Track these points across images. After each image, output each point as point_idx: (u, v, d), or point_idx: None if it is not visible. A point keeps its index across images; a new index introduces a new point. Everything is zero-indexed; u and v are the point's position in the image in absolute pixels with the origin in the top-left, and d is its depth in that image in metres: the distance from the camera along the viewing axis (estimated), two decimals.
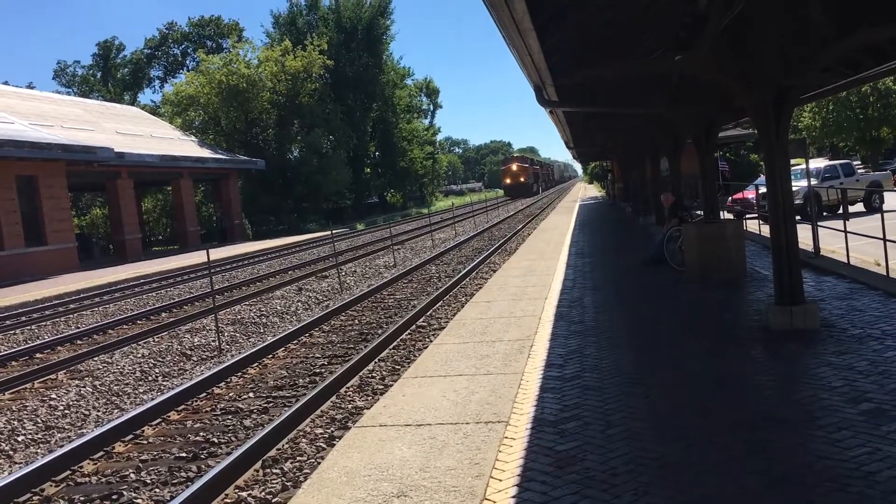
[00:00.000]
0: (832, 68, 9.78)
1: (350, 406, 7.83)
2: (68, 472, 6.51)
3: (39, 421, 8.37)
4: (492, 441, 5.12)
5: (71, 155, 30.19)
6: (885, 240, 10.12)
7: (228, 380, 9.44)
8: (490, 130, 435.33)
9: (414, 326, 11.87)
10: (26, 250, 28.06)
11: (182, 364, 10.91)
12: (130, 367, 10.73)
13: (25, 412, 8.74)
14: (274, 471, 6.17)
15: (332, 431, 7.02)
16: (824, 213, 22.28)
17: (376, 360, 9.80)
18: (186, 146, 44.62)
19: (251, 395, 8.71)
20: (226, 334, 12.61)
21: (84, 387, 9.77)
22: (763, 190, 14.05)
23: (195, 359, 11.22)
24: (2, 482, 6.03)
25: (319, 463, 5.51)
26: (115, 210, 36.85)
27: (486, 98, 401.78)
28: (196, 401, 8.59)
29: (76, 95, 66.77)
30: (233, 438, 7.15)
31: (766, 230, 14.59)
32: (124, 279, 23.93)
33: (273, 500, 5.58)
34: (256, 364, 10.21)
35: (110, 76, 79.53)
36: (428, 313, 12.95)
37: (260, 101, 52.40)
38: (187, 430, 7.61)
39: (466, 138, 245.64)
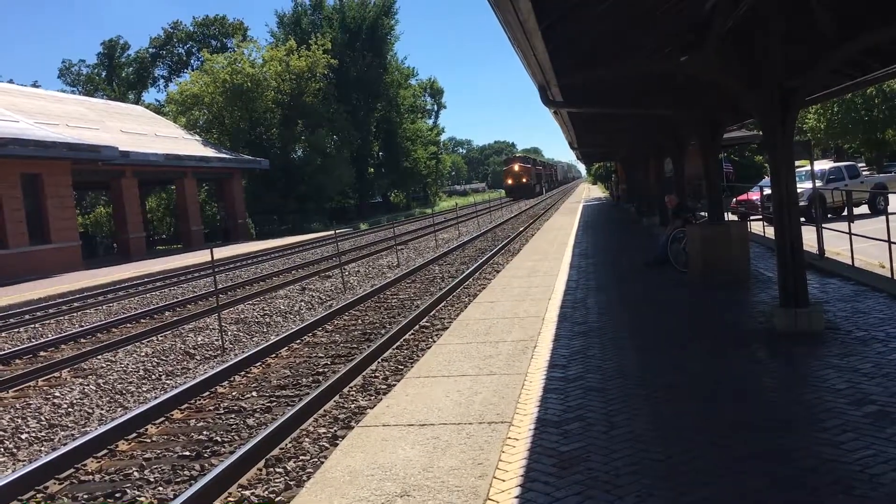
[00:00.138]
0: (838, 70, 9.76)
1: (353, 406, 7.83)
2: (72, 469, 6.52)
3: (43, 419, 8.38)
4: (495, 441, 5.12)
5: (76, 154, 30.24)
6: (889, 242, 10.10)
7: (232, 379, 9.45)
8: (494, 131, 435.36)
9: (417, 326, 11.87)
10: (30, 248, 28.12)
11: (185, 363, 10.92)
12: (134, 366, 10.74)
13: (29, 410, 8.76)
14: (277, 470, 6.17)
15: (336, 431, 7.02)
16: (829, 215, 22.20)
17: (379, 359, 9.80)
18: (190, 145, 44.69)
19: (254, 394, 8.71)
20: (229, 333, 12.63)
21: (87, 385, 9.79)
22: (768, 191, 14.05)
23: (198, 358, 11.23)
24: (6, 480, 6.04)
25: (322, 462, 5.52)
26: (120, 209, 36.91)
27: (490, 99, 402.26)
28: (199, 399, 8.60)
29: (81, 94, 66.91)
30: (236, 437, 7.15)
31: (770, 232, 14.57)
32: (128, 278, 23.96)
33: (276, 500, 5.58)
34: (259, 363, 10.21)
35: (115, 75, 79.69)
36: (431, 313, 12.95)
37: (264, 101, 52.42)
38: (190, 428, 7.62)
39: (470, 139, 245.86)
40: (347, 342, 11.28)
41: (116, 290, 21.35)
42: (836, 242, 13.32)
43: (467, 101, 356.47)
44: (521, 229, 32.52)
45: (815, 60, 7.67)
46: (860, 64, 9.73)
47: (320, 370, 9.60)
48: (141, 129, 42.64)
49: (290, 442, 6.80)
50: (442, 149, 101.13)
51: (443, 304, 13.92)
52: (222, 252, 30.45)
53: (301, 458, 6.41)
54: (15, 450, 7.44)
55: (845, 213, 16.31)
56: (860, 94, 40.72)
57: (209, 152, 44.69)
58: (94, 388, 9.63)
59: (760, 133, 10.50)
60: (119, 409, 8.68)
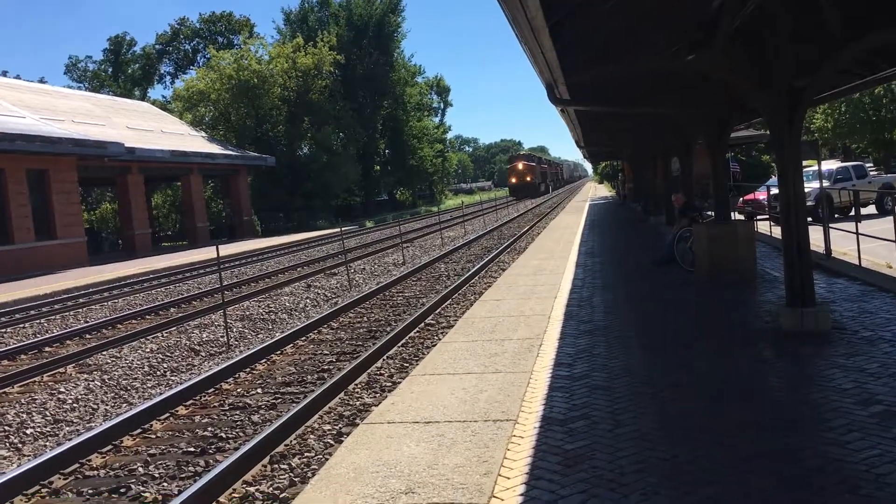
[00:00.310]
0: (846, 70, 9.72)
1: (358, 403, 7.84)
2: (77, 465, 6.54)
3: (48, 414, 8.40)
4: (500, 439, 5.11)
5: (82, 149, 30.30)
6: None
7: (237, 375, 9.46)
8: (500, 129, 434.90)
9: (422, 324, 11.87)
10: (36, 244, 28.20)
11: (190, 359, 10.94)
12: (139, 362, 10.76)
13: (34, 405, 8.78)
14: (282, 466, 6.18)
15: (340, 428, 7.02)
16: (836, 215, 22.16)
17: (385, 357, 9.80)
18: (196, 142, 44.74)
19: (259, 390, 8.72)
20: (234, 330, 12.64)
21: (93, 381, 9.81)
22: (775, 191, 14.00)
23: (203, 354, 11.25)
24: (11, 474, 6.06)
25: (327, 459, 5.51)
26: (125, 205, 36.98)
27: (496, 97, 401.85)
28: (204, 396, 8.61)
29: (87, 90, 67.06)
30: (241, 434, 7.16)
31: (777, 231, 14.53)
32: (133, 274, 24.01)
33: (280, 496, 5.58)
34: (265, 360, 10.22)
35: (121, 72, 79.83)
36: (437, 311, 12.94)
37: (270, 98, 52.46)
38: (195, 424, 7.62)
39: (476, 137, 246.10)
40: (353, 339, 11.28)
41: (122, 287, 21.40)
42: (843, 242, 13.27)
43: (474, 99, 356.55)
44: (527, 228, 32.50)
45: (822, 60, 7.64)
46: (868, 63, 9.69)
47: (325, 367, 9.61)
48: (147, 126, 42.70)
49: (294, 439, 6.80)
50: (448, 147, 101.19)
51: (448, 301, 13.91)
52: (228, 249, 30.49)
53: (306, 454, 6.41)
54: (20, 445, 7.46)
55: (852, 213, 16.28)
56: (868, 94, 40.56)
57: (215, 149, 44.74)
58: (99, 383, 9.65)
59: (768, 132, 10.47)
60: (124, 404, 8.70)
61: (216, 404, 8.28)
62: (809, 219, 8.91)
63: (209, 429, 7.38)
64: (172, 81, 80.00)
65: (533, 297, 11.38)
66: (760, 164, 39.35)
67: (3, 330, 14.92)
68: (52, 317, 16.41)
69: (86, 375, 10.21)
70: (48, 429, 7.92)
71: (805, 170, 11.55)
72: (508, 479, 4.45)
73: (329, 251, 28.84)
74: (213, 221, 46.94)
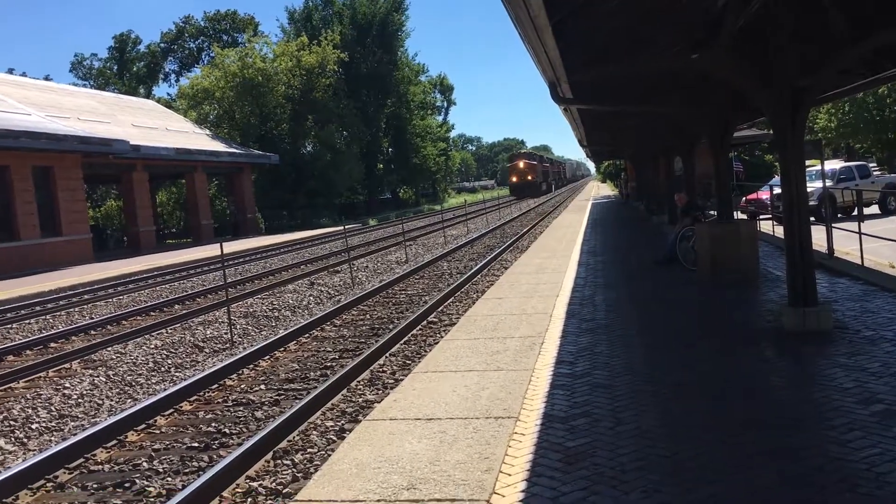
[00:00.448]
0: (849, 69, 9.72)
1: (361, 400, 7.87)
2: (82, 459, 6.57)
3: (53, 409, 8.44)
4: (502, 436, 5.14)
5: (87, 147, 30.37)
6: None
7: (240, 372, 9.50)
8: (504, 128, 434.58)
9: (425, 322, 11.89)
10: (42, 241, 28.27)
11: (194, 356, 10.98)
12: (143, 358, 10.81)
13: (40, 400, 8.83)
14: (285, 462, 6.21)
15: (343, 424, 7.06)
16: (839, 215, 22.13)
17: (387, 354, 9.84)
18: (201, 140, 44.81)
19: (263, 387, 8.76)
20: (238, 327, 12.68)
21: (98, 376, 9.85)
22: (777, 191, 14.00)
23: (207, 351, 11.29)
24: (17, 468, 6.10)
25: (330, 455, 5.54)
26: (130, 202, 37.08)
27: (499, 96, 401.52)
28: (208, 392, 8.65)
29: (93, 88, 67.16)
30: (244, 429, 7.19)
31: (779, 231, 14.53)
32: (138, 271, 24.07)
33: (284, 491, 5.62)
34: (268, 357, 10.26)
35: (126, 69, 79.97)
36: (439, 309, 12.97)
37: (275, 96, 52.52)
38: (199, 420, 7.66)
39: (480, 136, 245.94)
40: (355, 337, 11.31)
41: (126, 283, 21.46)
42: (845, 242, 13.27)
43: (477, 97, 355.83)
44: (530, 226, 32.51)
45: (826, 60, 7.64)
46: (872, 63, 9.68)
47: (328, 364, 9.64)
48: (152, 123, 42.79)
49: (297, 434, 6.84)
50: (451, 145, 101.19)
51: (451, 300, 13.94)
52: (232, 246, 30.54)
53: (308, 450, 6.45)
54: (26, 439, 7.50)
55: (855, 212, 16.26)
56: (872, 94, 40.46)
57: (219, 147, 44.82)
58: (104, 379, 9.70)
59: (771, 132, 10.46)
60: (128, 400, 8.74)
61: (220, 400, 8.32)
62: (812, 218, 8.92)
63: (213, 425, 7.42)
64: (177, 79, 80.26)
65: (535, 295, 11.40)
66: (763, 163, 39.31)
67: (9, 326, 14.99)
68: (58, 313, 16.47)
69: (91, 371, 10.25)
70: (53, 424, 7.96)
71: (808, 169, 11.56)
72: (510, 475, 4.48)
73: (332, 249, 28.88)
74: (217, 219, 47.02)
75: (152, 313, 15.38)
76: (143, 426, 7.48)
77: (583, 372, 6.71)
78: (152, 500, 5.70)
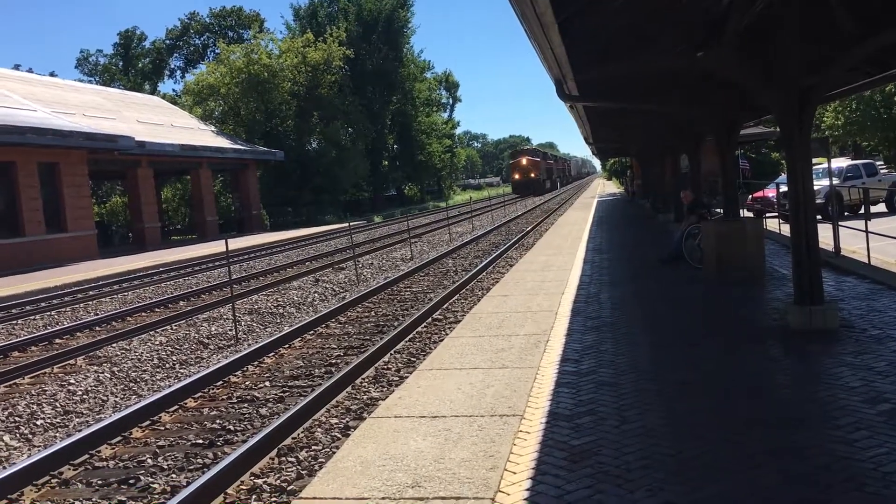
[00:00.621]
0: (856, 67, 9.67)
1: (365, 397, 7.87)
2: (86, 456, 6.58)
3: (58, 405, 8.46)
4: (506, 434, 5.13)
5: (92, 143, 30.41)
6: None
7: (245, 368, 9.50)
8: (509, 125, 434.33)
9: (430, 319, 11.89)
10: (47, 237, 28.33)
11: (199, 352, 10.99)
12: (148, 354, 10.83)
13: (45, 396, 8.85)
14: (289, 459, 6.21)
15: (348, 421, 7.05)
16: (845, 213, 22.07)
17: (392, 351, 9.83)
18: (206, 136, 44.84)
19: (267, 384, 8.76)
20: (243, 324, 12.69)
21: (102, 373, 9.87)
22: (784, 189, 13.96)
23: (212, 347, 11.30)
24: (22, 464, 6.11)
25: (334, 452, 5.54)
26: (135, 199, 37.12)
27: (505, 93, 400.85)
28: (213, 388, 8.66)
29: (98, 84, 67.26)
30: (249, 426, 7.20)
31: (786, 229, 14.48)
32: (143, 267, 24.11)
33: (288, 488, 5.61)
34: (273, 354, 10.26)
35: (131, 66, 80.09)
36: (444, 306, 12.97)
37: (280, 92, 52.53)
38: (204, 417, 7.67)
39: (485, 133, 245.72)
40: (360, 334, 11.31)
41: (131, 280, 21.50)
42: (852, 240, 13.23)
43: (483, 95, 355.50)
44: (536, 224, 32.49)
45: (832, 58, 7.61)
46: (879, 61, 9.64)
47: (333, 361, 9.64)
48: (157, 120, 42.83)
49: (302, 432, 6.84)
50: (457, 142, 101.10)
51: (456, 297, 13.93)
52: (237, 243, 30.57)
53: (313, 447, 6.45)
54: (30, 435, 7.52)
55: (862, 210, 16.21)
56: (879, 92, 40.31)
57: (224, 143, 44.86)
58: (109, 375, 9.72)
59: (778, 130, 10.43)
60: (133, 396, 8.75)
61: (224, 397, 8.33)
62: (819, 217, 8.88)
63: (217, 421, 7.43)
64: (183, 76, 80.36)
65: (540, 293, 11.38)
66: (770, 161, 39.19)
67: (14, 322, 15.02)
68: (63, 309, 16.50)
69: (96, 367, 10.27)
70: (58, 420, 7.98)
71: (815, 167, 11.51)
72: (515, 473, 4.47)
73: (337, 246, 28.90)
74: (222, 215, 47.05)
75: (157, 310, 15.40)
76: (148, 423, 7.49)
77: (588, 370, 6.70)
78: (157, 496, 5.71)
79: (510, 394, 6.10)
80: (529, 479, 4.36)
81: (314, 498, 4.39)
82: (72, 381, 9.50)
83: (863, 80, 10.79)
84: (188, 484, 5.65)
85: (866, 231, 11.68)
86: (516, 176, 79.44)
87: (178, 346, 11.31)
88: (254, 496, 5.56)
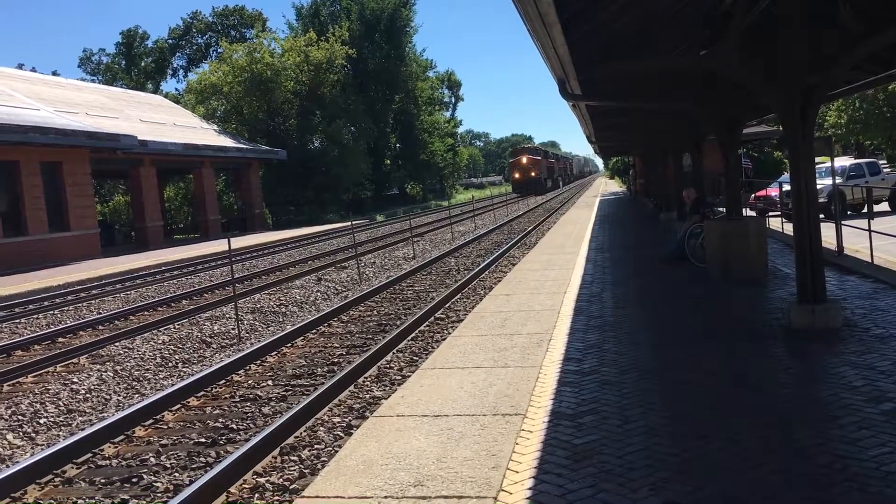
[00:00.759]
0: (859, 66, 9.66)
1: (368, 396, 7.87)
2: (89, 454, 6.59)
3: (61, 404, 8.47)
4: (509, 433, 5.13)
5: (95, 142, 30.43)
6: None
7: (247, 367, 9.51)
8: (512, 124, 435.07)
9: (432, 318, 11.89)
10: (50, 236, 28.36)
11: (202, 351, 11.00)
12: (151, 353, 10.84)
13: (48, 395, 8.86)
14: (292, 458, 6.22)
15: (350, 421, 7.06)
16: (849, 212, 22.04)
17: (394, 350, 9.84)
18: (209, 135, 44.84)
19: (270, 383, 8.77)
20: (245, 322, 12.70)
21: (105, 371, 9.89)
22: (787, 187, 13.93)
23: (215, 346, 11.31)
24: (25, 463, 6.12)
25: (337, 451, 5.54)
26: (138, 198, 37.13)
27: (507, 92, 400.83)
28: (215, 387, 8.67)
29: (101, 83, 67.31)
30: (251, 425, 7.21)
31: (789, 228, 14.47)
32: (146, 266, 24.14)
33: (291, 487, 5.62)
34: (275, 353, 10.27)
35: (134, 65, 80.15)
36: (446, 305, 12.97)
37: (282, 91, 52.55)
38: (207, 416, 7.68)
39: (488, 132, 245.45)
40: (363, 333, 11.32)
41: (134, 279, 21.52)
42: (855, 239, 13.21)
43: (485, 94, 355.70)
44: (538, 223, 32.48)
45: (836, 56, 7.60)
46: (882, 60, 9.63)
47: (336, 360, 9.65)
48: (160, 119, 42.86)
49: (304, 430, 6.84)
50: (459, 141, 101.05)
51: (458, 296, 13.93)
52: (239, 242, 30.59)
53: (316, 446, 6.45)
54: (34, 434, 7.53)
55: (865, 209, 16.18)
56: (882, 91, 40.25)
57: (227, 142, 44.86)
58: (112, 374, 9.73)
59: (780, 128, 10.42)
60: (136, 395, 8.76)
61: (227, 396, 8.33)
62: (822, 216, 8.88)
63: (220, 420, 7.44)
64: (185, 75, 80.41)
65: (543, 292, 11.38)
66: (773, 160, 39.16)
67: (17, 321, 15.05)
68: (66, 308, 16.53)
69: (98, 366, 10.29)
70: (61, 419, 7.99)
71: (818, 166, 11.50)
72: (517, 472, 4.47)
73: (340, 245, 28.91)
74: (224, 214, 47.07)
75: (160, 308, 15.42)
76: (151, 421, 7.50)
77: (590, 369, 6.70)
78: (160, 495, 5.71)
79: (513, 393, 6.10)
80: (532, 479, 4.36)
81: (317, 497, 4.39)
82: (75, 379, 9.52)
83: (866, 79, 10.77)
84: (191, 483, 5.66)
85: (869, 230, 11.66)
86: (516, 175, 77.25)
87: (180, 345, 11.32)
88: (256, 495, 5.57)
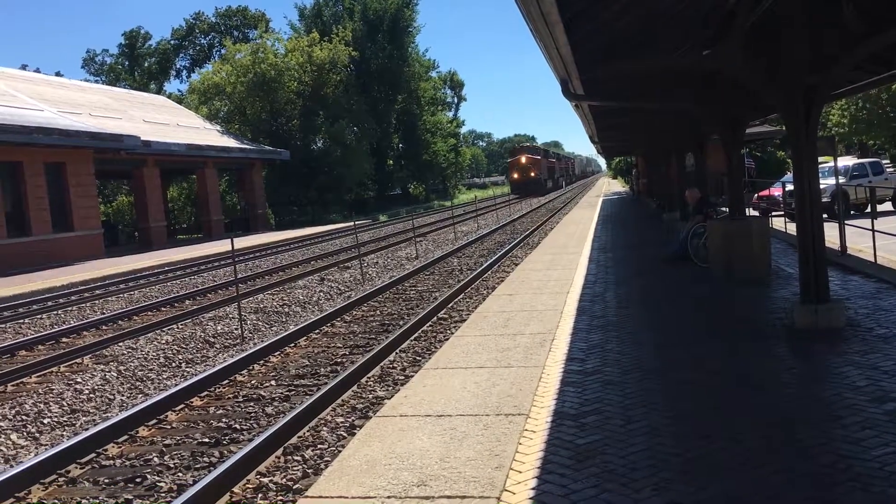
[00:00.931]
0: (862, 66, 9.65)
1: (371, 396, 7.88)
2: (93, 454, 6.60)
3: (65, 404, 8.49)
4: (512, 433, 5.13)
5: (98, 143, 30.47)
6: None
7: (251, 367, 9.52)
8: (514, 124, 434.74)
9: (435, 318, 11.90)
10: (53, 236, 28.41)
11: (205, 351, 11.02)
12: (154, 353, 10.86)
13: (51, 395, 8.88)
14: (295, 458, 6.22)
15: (353, 420, 7.06)
16: (852, 212, 22.00)
17: (397, 350, 9.84)
18: (212, 136, 44.89)
19: (273, 382, 8.78)
20: (248, 323, 12.71)
21: (109, 371, 9.90)
22: (790, 187, 13.92)
23: (218, 346, 11.33)
24: (29, 463, 6.14)
25: (340, 451, 5.55)
26: (141, 198, 37.19)
27: (510, 92, 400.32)
28: (219, 387, 8.68)
29: (104, 84, 67.41)
30: (255, 425, 7.21)
31: (792, 228, 14.46)
32: (149, 266, 24.17)
33: (294, 487, 5.63)
34: (278, 352, 10.28)
35: (137, 66, 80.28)
36: (449, 305, 12.98)
37: (286, 92, 52.59)
38: (210, 416, 7.69)
39: (490, 132, 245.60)
40: (366, 333, 11.33)
41: (138, 279, 21.55)
42: (858, 239, 13.19)
43: (488, 94, 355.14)
44: (541, 223, 32.47)
45: (837, 56, 7.59)
46: (885, 60, 9.61)
47: (339, 360, 9.66)
48: (163, 119, 42.91)
49: (308, 430, 6.85)
50: (462, 141, 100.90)
51: (461, 296, 13.94)
52: (242, 242, 30.60)
53: (319, 446, 6.46)
54: (38, 434, 7.55)
55: (868, 209, 16.16)
56: (885, 90, 40.20)
57: (230, 142, 44.92)
58: (116, 374, 9.75)
59: (783, 128, 10.41)
60: (140, 395, 8.78)
61: (230, 396, 8.34)
62: (825, 215, 8.87)
63: (224, 420, 7.45)
64: (188, 75, 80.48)
65: (545, 291, 11.39)
66: (776, 159, 39.11)
67: (21, 321, 15.08)
68: (69, 308, 16.56)
69: (102, 366, 10.30)
70: (65, 419, 8.00)
71: (821, 166, 11.49)
72: (520, 472, 4.47)
73: (342, 245, 28.93)
74: (227, 214, 47.10)
75: (163, 309, 15.44)
76: (155, 421, 7.51)
77: (593, 369, 6.70)
78: (163, 495, 5.73)
79: (516, 393, 6.10)
80: (535, 479, 4.36)
81: (320, 497, 4.40)
82: (78, 379, 9.54)
83: (868, 79, 10.75)
84: (195, 482, 5.66)
85: (872, 230, 11.65)
86: (515, 175, 74.50)
87: (184, 345, 11.34)
88: (260, 495, 5.57)
